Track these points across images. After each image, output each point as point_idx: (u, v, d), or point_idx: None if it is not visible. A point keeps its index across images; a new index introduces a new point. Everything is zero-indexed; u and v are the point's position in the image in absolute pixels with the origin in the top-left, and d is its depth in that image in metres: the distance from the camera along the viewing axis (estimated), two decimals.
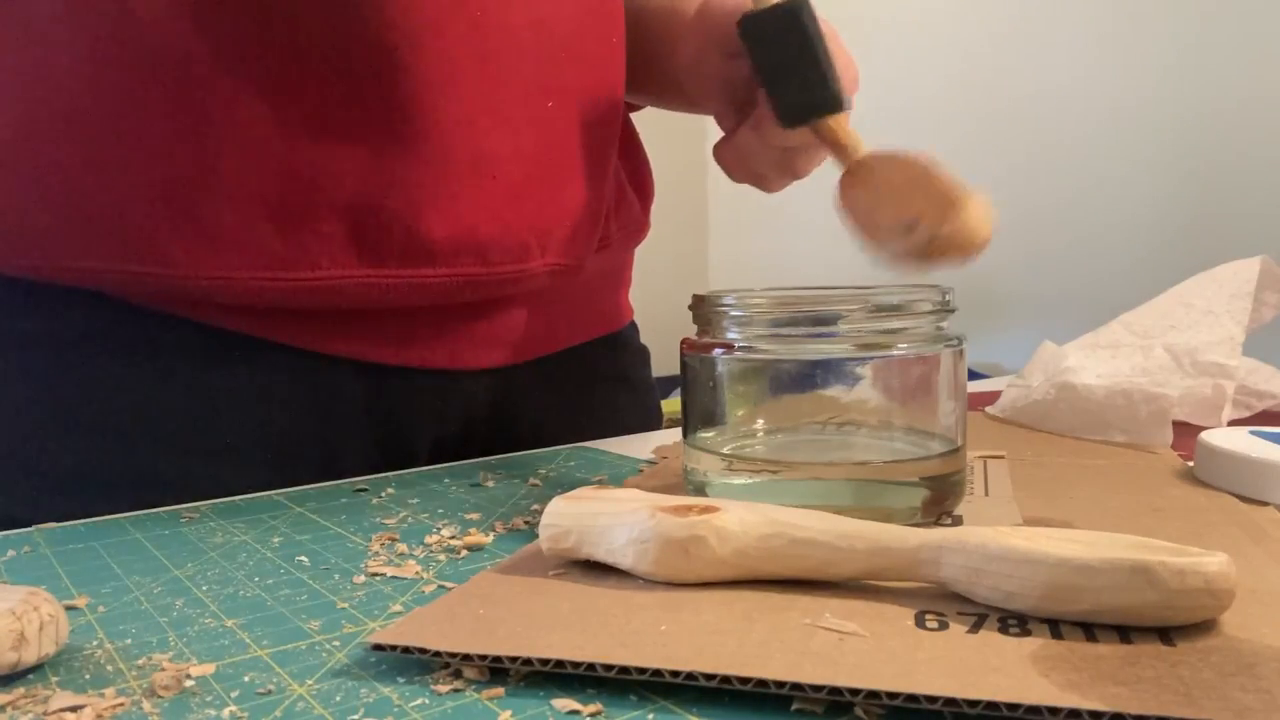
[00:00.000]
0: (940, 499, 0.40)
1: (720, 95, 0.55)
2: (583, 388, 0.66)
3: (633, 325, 0.74)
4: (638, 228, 0.70)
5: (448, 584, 0.36)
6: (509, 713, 0.26)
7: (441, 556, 0.39)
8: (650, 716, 0.25)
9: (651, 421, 0.72)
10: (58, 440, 0.51)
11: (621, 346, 0.71)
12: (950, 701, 0.24)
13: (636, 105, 0.74)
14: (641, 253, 0.74)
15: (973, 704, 0.24)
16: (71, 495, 0.49)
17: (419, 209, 0.51)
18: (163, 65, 0.48)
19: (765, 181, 0.57)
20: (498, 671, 0.28)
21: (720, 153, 0.55)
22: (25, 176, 0.49)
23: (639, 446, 0.60)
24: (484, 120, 0.53)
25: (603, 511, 0.34)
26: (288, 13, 0.48)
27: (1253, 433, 0.47)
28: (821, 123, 0.48)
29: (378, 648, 0.29)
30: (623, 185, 0.68)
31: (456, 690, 0.27)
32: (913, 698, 0.24)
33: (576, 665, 0.27)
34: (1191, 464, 0.48)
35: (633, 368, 0.71)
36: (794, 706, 0.25)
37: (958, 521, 0.40)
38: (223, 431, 0.53)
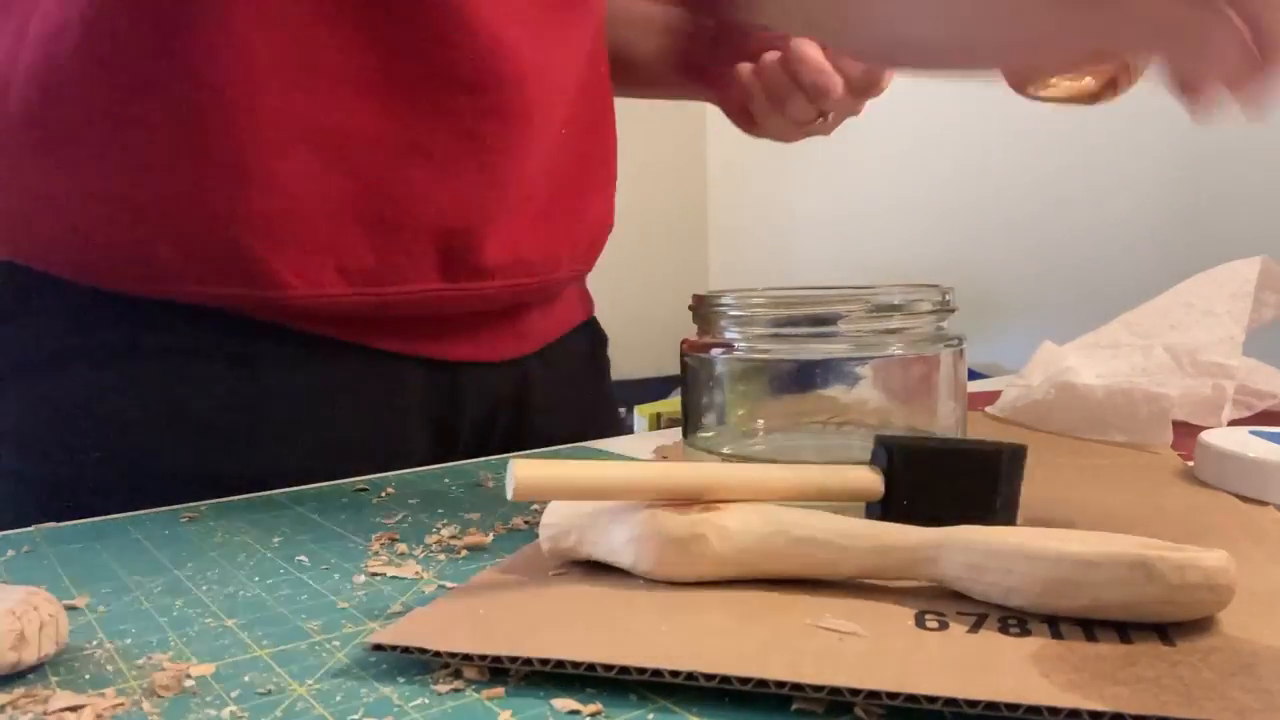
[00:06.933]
0: None
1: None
2: (574, 368, 0.73)
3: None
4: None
5: (448, 584, 0.36)
6: (509, 713, 0.26)
7: (441, 556, 0.39)
8: (650, 716, 0.25)
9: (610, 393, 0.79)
10: (167, 444, 0.54)
11: (593, 330, 0.77)
12: (950, 701, 0.24)
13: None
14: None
15: (973, 704, 0.24)
16: (180, 494, 0.51)
17: (485, 230, 0.58)
18: (275, 107, 0.51)
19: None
20: (498, 671, 0.28)
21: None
22: (151, 216, 0.52)
23: (639, 446, 0.61)
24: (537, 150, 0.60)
25: (603, 511, 0.34)
26: (415, 46, 0.53)
27: (1253, 433, 0.47)
28: None
29: (378, 648, 0.29)
30: None
31: (456, 690, 0.27)
32: (913, 698, 0.24)
33: (576, 665, 0.27)
34: (1191, 464, 0.48)
35: (600, 347, 0.79)
36: (794, 706, 0.25)
37: None
38: (310, 429, 0.57)
